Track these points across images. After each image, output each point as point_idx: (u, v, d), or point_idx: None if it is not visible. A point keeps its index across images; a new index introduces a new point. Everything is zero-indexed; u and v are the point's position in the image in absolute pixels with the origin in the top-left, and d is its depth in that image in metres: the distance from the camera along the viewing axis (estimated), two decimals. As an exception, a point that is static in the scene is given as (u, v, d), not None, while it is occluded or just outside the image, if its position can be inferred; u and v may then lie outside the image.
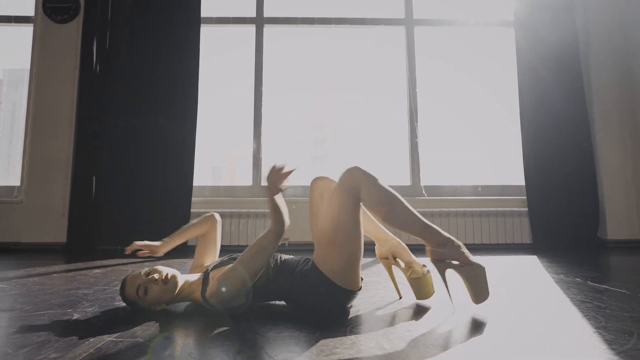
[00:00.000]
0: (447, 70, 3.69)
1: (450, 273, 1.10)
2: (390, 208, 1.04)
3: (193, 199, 3.09)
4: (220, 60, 3.72)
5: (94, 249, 2.95)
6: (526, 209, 3.13)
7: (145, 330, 0.95)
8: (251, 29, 3.50)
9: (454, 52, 3.72)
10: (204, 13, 3.37)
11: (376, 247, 1.31)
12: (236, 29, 3.58)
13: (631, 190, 3.15)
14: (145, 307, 1.08)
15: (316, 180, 1.26)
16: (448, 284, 1.10)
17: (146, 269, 1.11)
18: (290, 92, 3.69)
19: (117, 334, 0.93)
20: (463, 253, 1.05)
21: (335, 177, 1.18)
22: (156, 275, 1.06)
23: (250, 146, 3.34)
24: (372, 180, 1.06)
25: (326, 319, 1.04)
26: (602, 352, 0.78)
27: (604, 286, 1.46)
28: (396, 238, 1.29)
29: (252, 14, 3.51)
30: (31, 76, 3.27)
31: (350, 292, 1.07)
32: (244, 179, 3.35)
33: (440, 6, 3.64)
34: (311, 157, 4.43)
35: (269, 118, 3.43)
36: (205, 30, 3.41)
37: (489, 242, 3.08)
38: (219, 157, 3.80)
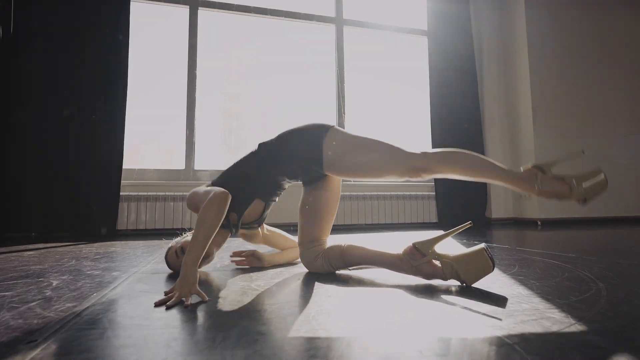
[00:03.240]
0: (372, 68, 4.09)
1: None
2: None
3: (123, 181, 2.95)
4: (153, 40, 3.54)
5: (4, 236, 2.63)
6: (434, 193, 3.70)
7: (147, 282, 1.03)
8: (185, 10, 3.42)
9: (378, 52, 4.13)
10: (133, -13, 3.19)
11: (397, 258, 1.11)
12: (169, 9, 3.45)
13: (508, 178, 3.94)
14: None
15: None
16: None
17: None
18: (224, 77, 3.69)
19: (115, 289, 0.99)
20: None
21: None
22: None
23: (183, 131, 3.30)
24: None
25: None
26: (498, 273, 1.14)
27: (495, 245, 1.92)
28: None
29: (187, -6, 3.42)
30: None
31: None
32: (178, 162, 3.29)
33: (368, 10, 4.01)
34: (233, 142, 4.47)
35: (204, 103, 3.42)
36: (135, 7, 3.23)
37: (404, 221, 3.57)
38: (147, 137, 3.63)
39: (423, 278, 1.06)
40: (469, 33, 3.94)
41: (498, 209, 3.88)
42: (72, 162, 2.80)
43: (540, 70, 3.71)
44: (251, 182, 1.22)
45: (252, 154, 1.24)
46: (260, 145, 1.25)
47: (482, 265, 0.96)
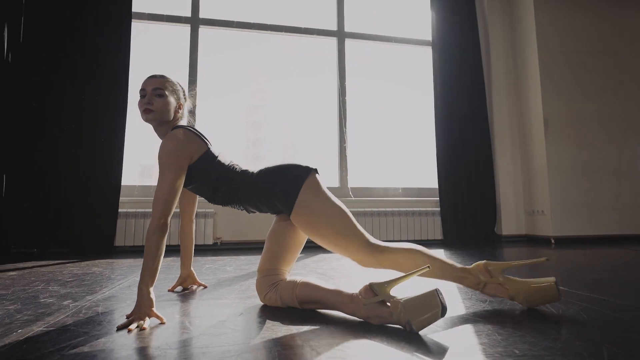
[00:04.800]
0: (375, 81, 4.02)
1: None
2: None
3: (121, 198, 3.00)
4: (154, 58, 3.63)
5: (5, 252, 2.72)
6: (439, 208, 3.55)
7: (76, 318, 1.00)
8: (186, 28, 3.49)
9: (381, 65, 4.06)
10: (135, 8, 3.29)
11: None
12: (170, 28, 3.54)
13: (519, 194, 3.73)
14: None
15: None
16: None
17: None
18: (225, 92, 3.73)
19: (47, 324, 0.97)
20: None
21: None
22: None
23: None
24: None
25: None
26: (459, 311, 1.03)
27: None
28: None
29: (188, 13, 3.50)
30: None
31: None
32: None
33: (370, 22, 3.96)
34: (246, 156, 4.49)
35: (204, 117, 3.45)
36: (137, 27, 3.33)
37: (407, 238, 3.44)
38: (148, 155, 3.70)
39: (372, 322, 0.97)
40: (476, 42, 3.80)
41: (509, 225, 3.67)
42: (71, 180, 2.88)
43: (551, 79, 3.52)
44: (217, 191, 1.20)
45: (234, 173, 1.20)
46: (242, 172, 1.21)
47: (432, 310, 0.87)
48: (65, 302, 1.22)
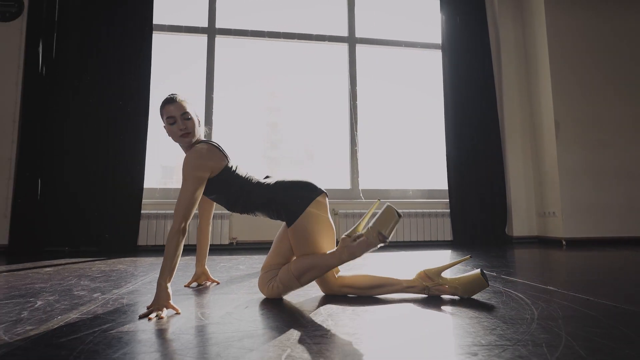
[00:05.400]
0: (385, 84, 4.10)
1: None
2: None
3: (144, 200, 3.20)
4: (174, 66, 3.82)
5: (40, 250, 2.96)
6: (448, 210, 3.61)
7: (105, 309, 1.15)
8: (203, 38, 3.67)
9: (391, 68, 4.14)
10: (156, 20, 3.49)
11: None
12: (188, 38, 3.73)
13: (530, 195, 3.74)
14: None
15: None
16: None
17: None
18: (241, 97, 3.89)
19: (81, 313, 1.12)
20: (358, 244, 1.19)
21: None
22: None
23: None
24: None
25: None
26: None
27: (493, 273, 1.86)
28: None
29: (205, 24, 3.68)
30: (-30, 74, 3.19)
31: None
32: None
33: (380, 28, 4.05)
34: (264, 157, 4.66)
35: (222, 122, 3.63)
36: (157, 37, 3.53)
37: (417, 239, 3.51)
38: (170, 156, 3.90)
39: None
40: (486, 44, 3.83)
41: (521, 226, 3.68)
42: (99, 184, 3.10)
43: (562, 80, 3.51)
44: (237, 201, 1.34)
45: (251, 185, 1.33)
46: (258, 183, 1.34)
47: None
48: (95, 295, 1.38)
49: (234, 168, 1.33)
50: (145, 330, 0.96)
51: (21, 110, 3.12)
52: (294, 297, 1.33)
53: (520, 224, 3.69)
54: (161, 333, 0.94)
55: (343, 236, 1.23)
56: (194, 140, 1.35)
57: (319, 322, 1.02)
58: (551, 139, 3.50)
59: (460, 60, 3.76)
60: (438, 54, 3.93)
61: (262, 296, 1.35)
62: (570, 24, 3.59)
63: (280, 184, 1.31)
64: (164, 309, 1.10)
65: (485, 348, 0.81)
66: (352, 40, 3.89)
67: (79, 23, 3.24)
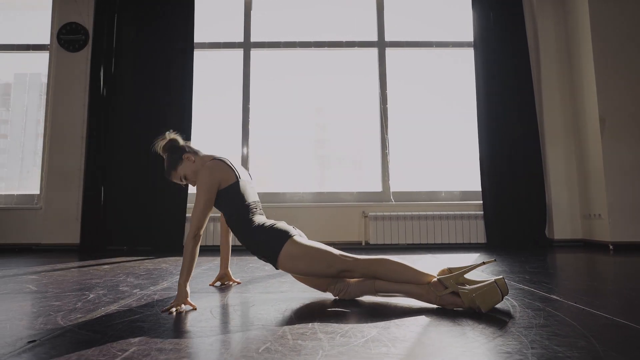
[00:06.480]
0: (415, 87, 4.09)
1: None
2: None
3: (188, 204, 3.54)
4: (214, 79, 4.15)
5: (104, 249, 3.41)
6: (482, 212, 3.53)
7: (139, 303, 1.38)
8: (239, 52, 3.94)
9: (421, 70, 4.12)
10: (197, 39, 3.82)
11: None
12: (226, 53, 4.02)
13: (574, 196, 3.53)
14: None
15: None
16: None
17: None
18: (274, 107, 4.12)
19: (120, 305, 1.36)
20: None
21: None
22: None
23: (239, 153, 3.80)
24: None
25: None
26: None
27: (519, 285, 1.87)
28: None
29: (240, 39, 3.95)
30: (48, 98, 3.74)
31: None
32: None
33: (410, 29, 4.05)
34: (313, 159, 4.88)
35: (257, 131, 3.88)
36: (198, 54, 3.86)
37: (448, 242, 3.49)
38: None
39: (446, 307, 1.27)
40: (523, 38, 3.67)
41: (563, 228, 3.50)
42: (150, 190, 3.49)
43: (607, 73, 3.27)
44: (229, 221, 1.49)
45: (244, 216, 1.46)
46: (249, 219, 1.46)
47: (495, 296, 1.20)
48: (135, 291, 1.64)
49: (242, 190, 1.46)
50: (165, 321, 1.16)
51: (87, 128, 3.60)
52: (295, 301, 1.47)
53: (563, 226, 3.50)
54: (177, 325, 1.13)
55: (438, 281, 1.27)
56: (201, 162, 1.53)
57: (306, 321, 1.15)
58: (596, 136, 3.28)
59: (494, 58, 3.66)
60: (470, 53, 3.84)
61: (270, 296, 1.51)
62: (615, 14, 3.33)
63: (259, 228, 1.41)
64: (183, 305, 1.31)
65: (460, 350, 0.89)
66: (381, 45, 3.94)
67: (132, 46, 3.67)
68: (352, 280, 1.41)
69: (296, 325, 1.11)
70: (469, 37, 3.82)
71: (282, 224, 1.44)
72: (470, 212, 3.53)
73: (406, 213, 3.53)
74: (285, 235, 1.38)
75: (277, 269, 1.42)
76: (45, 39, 3.86)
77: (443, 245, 3.49)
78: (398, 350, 0.90)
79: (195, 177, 1.51)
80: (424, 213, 3.53)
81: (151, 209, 3.47)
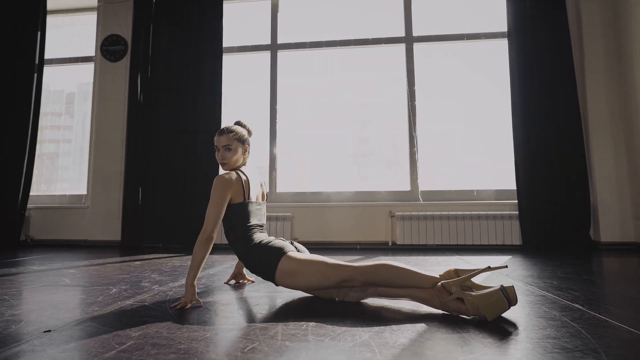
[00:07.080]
0: (445, 82, 3.94)
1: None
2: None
3: (218, 204, 3.67)
4: (242, 81, 4.27)
5: (141, 246, 3.63)
6: (517, 212, 3.33)
7: (153, 299, 1.46)
8: (266, 54, 4.02)
9: (451, 65, 3.96)
10: (225, 44, 3.93)
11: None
12: (253, 56, 4.12)
13: (625, 195, 3.23)
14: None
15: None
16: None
17: None
18: (302, 108, 4.15)
19: (135, 300, 1.45)
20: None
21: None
22: None
23: (266, 153, 3.88)
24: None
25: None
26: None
27: (541, 292, 1.75)
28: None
29: (267, 41, 4.02)
30: (93, 106, 4.04)
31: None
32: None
33: (438, 23, 3.90)
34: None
35: (284, 130, 3.94)
36: (227, 58, 3.98)
37: (480, 243, 3.33)
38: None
39: (451, 314, 1.22)
40: (564, 23, 3.40)
41: (611, 230, 3.21)
42: (181, 190, 3.66)
43: (662, 59, 2.95)
44: (229, 234, 1.56)
45: (243, 235, 1.51)
46: (248, 237, 1.51)
47: (500, 304, 1.13)
48: (154, 287, 1.73)
49: (248, 210, 1.51)
50: (168, 318, 1.22)
51: (126, 133, 3.85)
52: (299, 301, 1.48)
53: (611, 228, 3.21)
54: (181, 319, 1.18)
55: (441, 286, 1.22)
56: (235, 165, 1.57)
57: (302, 322, 1.16)
58: (648, 129, 2.97)
59: (531, 48, 3.43)
60: (504, 43, 3.63)
61: (275, 295, 1.53)
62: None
63: (256, 246, 1.45)
64: (190, 301, 1.36)
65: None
66: (409, 40, 3.84)
67: (166, 53, 3.86)
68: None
69: (290, 326, 1.12)
70: (503, 26, 3.61)
71: (278, 241, 1.47)
72: (504, 212, 3.34)
73: (435, 213, 3.42)
74: (280, 252, 1.41)
75: (277, 285, 1.45)
76: (91, 51, 4.17)
77: (475, 247, 3.33)
78: (382, 357, 0.88)
79: (230, 165, 1.56)
80: (454, 213, 3.39)
81: (182, 209, 3.63)
